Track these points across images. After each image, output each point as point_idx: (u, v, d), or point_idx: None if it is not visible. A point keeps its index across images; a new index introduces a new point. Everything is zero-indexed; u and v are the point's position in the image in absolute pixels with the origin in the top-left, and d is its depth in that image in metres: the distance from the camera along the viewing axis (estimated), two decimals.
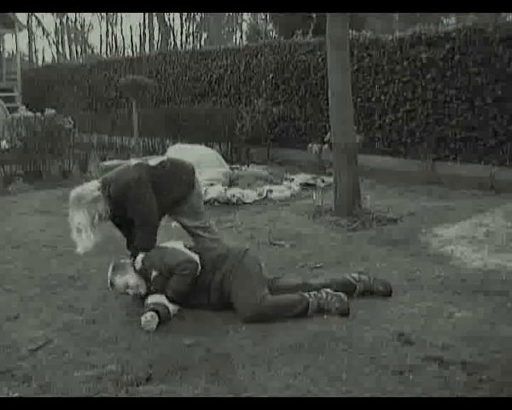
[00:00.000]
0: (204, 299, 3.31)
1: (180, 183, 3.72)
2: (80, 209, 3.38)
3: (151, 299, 3.31)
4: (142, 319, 3.11)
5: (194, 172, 3.83)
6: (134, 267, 3.41)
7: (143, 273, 3.37)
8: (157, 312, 3.14)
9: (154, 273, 3.33)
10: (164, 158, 3.95)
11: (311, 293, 3.25)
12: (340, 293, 3.27)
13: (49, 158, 8.33)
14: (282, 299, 3.24)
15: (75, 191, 3.48)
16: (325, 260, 4.28)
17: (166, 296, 3.27)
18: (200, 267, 3.31)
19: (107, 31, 32.74)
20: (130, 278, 3.39)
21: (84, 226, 3.36)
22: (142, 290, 3.40)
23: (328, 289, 3.29)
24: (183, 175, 3.77)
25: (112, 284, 3.45)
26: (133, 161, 3.80)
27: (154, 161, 3.74)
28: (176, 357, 2.79)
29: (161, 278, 3.31)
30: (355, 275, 3.54)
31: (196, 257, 3.35)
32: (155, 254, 3.41)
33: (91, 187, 3.48)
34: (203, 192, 4.93)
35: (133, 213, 3.50)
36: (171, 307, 3.26)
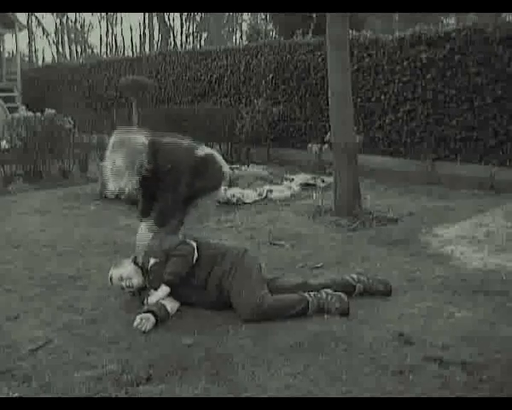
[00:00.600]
0: (202, 296, 3.31)
1: (212, 178, 3.83)
2: (122, 151, 3.39)
3: (149, 299, 3.31)
4: (135, 323, 3.10)
5: (224, 174, 3.95)
6: (132, 261, 3.47)
7: (143, 264, 3.41)
8: (153, 312, 3.14)
9: (151, 261, 3.36)
10: (209, 151, 4.03)
11: (311, 293, 3.25)
12: (340, 293, 3.27)
13: (49, 158, 8.32)
14: (282, 299, 3.24)
15: (120, 135, 3.50)
16: (325, 260, 4.28)
17: (164, 282, 3.28)
18: (196, 254, 3.34)
19: (107, 31, 32.79)
20: (124, 271, 3.44)
21: (120, 168, 3.37)
22: (135, 282, 3.42)
23: (329, 290, 3.29)
24: (217, 173, 3.89)
25: (111, 279, 3.51)
26: (185, 142, 3.87)
27: (201, 151, 3.84)
28: (176, 357, 2.79)
29: (159, 266, 3.33)
30: (354, 276, 3.54)
31: (193, 243, 3.41)
32: (155, 243, 3.48)
33: (138, 139, 3.50)
34: None
35: (165, 187, 3.56)
36: (170, 306, 3.25)
